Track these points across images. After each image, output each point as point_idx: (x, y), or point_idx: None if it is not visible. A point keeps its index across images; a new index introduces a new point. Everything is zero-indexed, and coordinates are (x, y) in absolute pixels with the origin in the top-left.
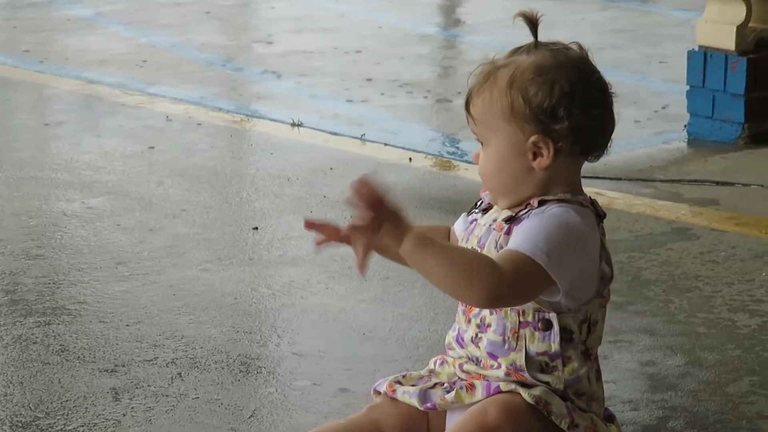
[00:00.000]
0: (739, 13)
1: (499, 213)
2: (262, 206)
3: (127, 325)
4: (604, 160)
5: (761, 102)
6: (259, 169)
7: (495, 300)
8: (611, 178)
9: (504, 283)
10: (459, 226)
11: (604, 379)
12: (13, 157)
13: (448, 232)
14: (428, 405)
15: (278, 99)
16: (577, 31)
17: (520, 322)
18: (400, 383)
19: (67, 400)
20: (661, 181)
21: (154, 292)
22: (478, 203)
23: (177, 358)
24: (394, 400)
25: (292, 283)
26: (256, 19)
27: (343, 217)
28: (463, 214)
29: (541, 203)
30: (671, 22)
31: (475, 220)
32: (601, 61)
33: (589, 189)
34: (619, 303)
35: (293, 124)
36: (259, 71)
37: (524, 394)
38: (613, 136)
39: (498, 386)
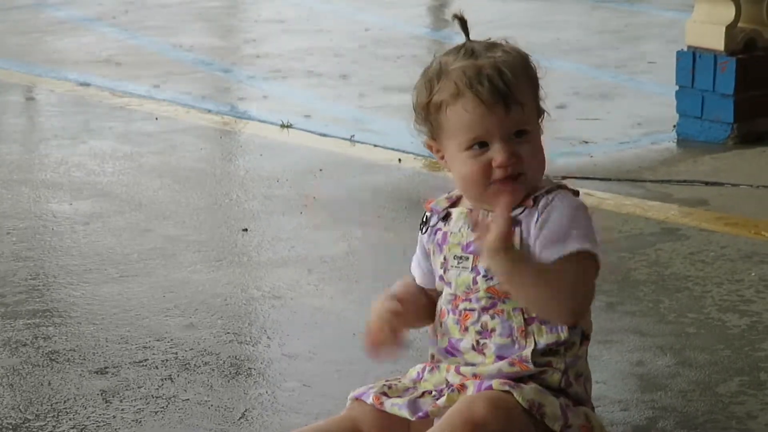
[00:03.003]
0: (728, 13)
1: (465, 216)
2: (251, 207)
3: (117, 327)
4: (594, 160)
5: (750, 102)
6: (249, 171)
7: (578, 314)
8: (601, 179)
9: (583, 296)
10: (416, 269)
11: (594, 379)
12: (2, 160)
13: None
14: (420, 414)
15: (268, 100)
16: (565, 32)
17: (525, 319)
18: (386, 395)
19: (56, 402)
20: (651, 181)
21: (144, 294)
22: (425, 218)
23: (167, 360)
24: (375, 409)
25: (281, 285)
26: (245, 20)
27: (333, 217)
28: (415, 262)
29: (535, 200)
30: (660, 23)
31: (439, 229)
32: (590, 61)
33: (579, 189)
34: (609, 303)
35: (283, 126)
36: (248, 72)
37: (517, 397)
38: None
39: (490, 385)
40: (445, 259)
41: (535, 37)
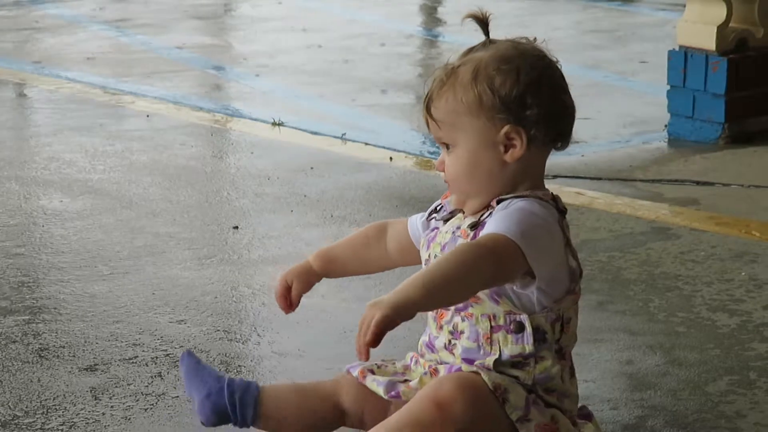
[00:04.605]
0: (720, 13)
1: (462, 221)
2: (242, 205)
3: (107, 324)
4: (585, 159)
5: (742, 102)
6: (240, 168)
7: (490, 271)
8: (592, 178)
9: (488, 253)
10: (415, 224)
11: (583, 378)
12: None
13: (380, 228)
14: (392, 393)
15: (259, 98)
16: (557, 32)
17: (492, 326)
18: (372, 372)
19: (46, 399)
20: (642, 180)
21: (134, 291)
22: (438, 208)
23: (157, 357)
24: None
25: (272, 283)
26: (237, 18)
27: (324, 215)
28: (422, 215)
29: (499, 202)
30: (652, 22)
31: (437, 228)
32: (581, 61)
33: (570, 189)
34: (599, 302)
35: (274, 124)
36: (240, 70)
37: (485, 376)
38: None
39: (459, 368)
40: (429, 256)
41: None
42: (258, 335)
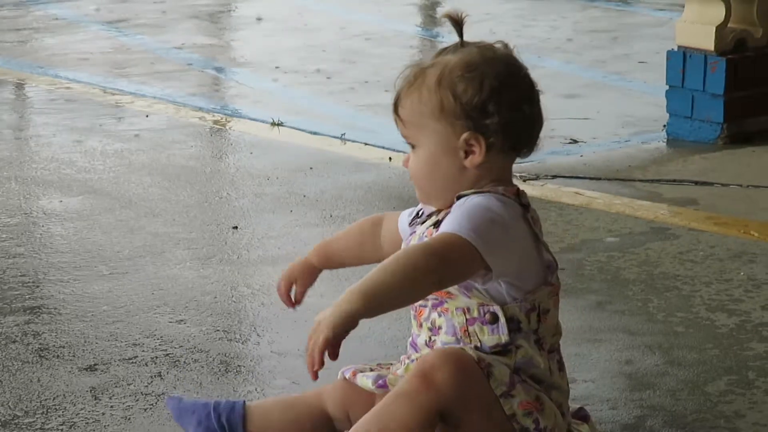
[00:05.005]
0: (719, 13)
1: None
2: (241, 205)
3: (107, 324)
4: (584, 159)
5: (740, 102)
6: (239, 169)
7: (442, 270)
8: (591, 178)
9: (438, 257)
10: (405, 221)
11: (582, 378)
12: None
13: (375, 222)
14: (379, 383)
15: (258, 98)
16: (556, 31)
17: (467, 319)
18: (363, 372)
19: (46, 399)
20: (641, 180)
21: (134, 291)
22: (420, 213)
23: (156, 357)
24: (347, 383)
25: (271, 282)
26: (236, 18)
27: (323, 215)
28: (411, 212)
29: (459, 198)
30: (651, 23)
31: (414, 231)
32: (580, 60)
33: (569, 188)
34: (598, 302)
35: (273, 124)
36: (239, 70)
37: (470, 351)
38: (542, 134)
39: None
40: None
41: (526, 36)
42: (257, 335)
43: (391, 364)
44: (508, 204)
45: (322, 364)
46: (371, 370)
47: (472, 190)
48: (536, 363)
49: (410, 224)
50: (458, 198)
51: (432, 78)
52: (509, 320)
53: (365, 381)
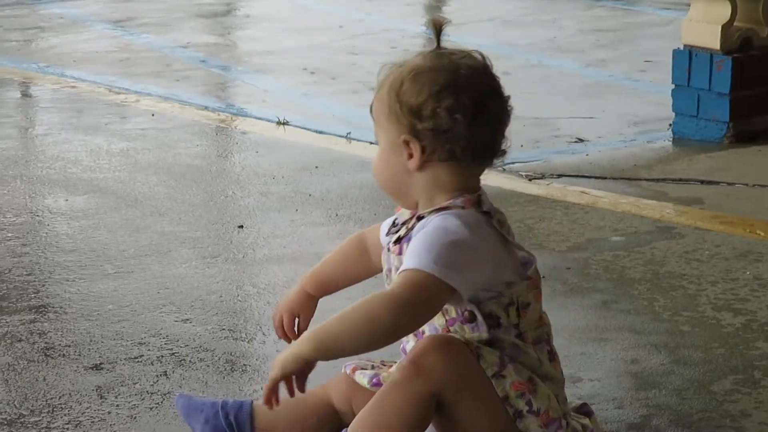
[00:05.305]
0: (724, 12)
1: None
2: (247, 204)
3: (112, 323)
4: (590, 158)
5: (746, 101)
6: (245, 168)
7: (405, 323)
8: (596, 177)
9: (403, 307)
10: (384, 229)
11: (588, 377)
12: None
13: (359, 240)
14: (374, 381)
15: (264, 97)
16: (561, 31)
17: (447, 320)
18: (363, 369)
19: (51, 398)
20: (646, 180)
21: (140, 290)
22: (395, 221)
23: (162, 356)
24: (349, 378)
25: (277, 282)
26: (242, 17)
27: (329, 214)
28: (387, 224)
29: (419, 218)
30: (656, 22)
31: (388, 244)
32: (585, 60)
33: (574, 188)
34: (603, 301)
35: (279, 123)
36: (244, 69)
37: (458, 336)
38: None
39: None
40: (384, 272)
41: (531, 36)
42: (263, 334)
43: (394, 362)
44: (468, 217)
45: (276, 400)
46: (372, 367)
47: (430, 209)
48: (524, 350)
49: (387, 234)
50: (419, 219)
51: (390, 79)
52: (487, 317)
53: (362, 378)
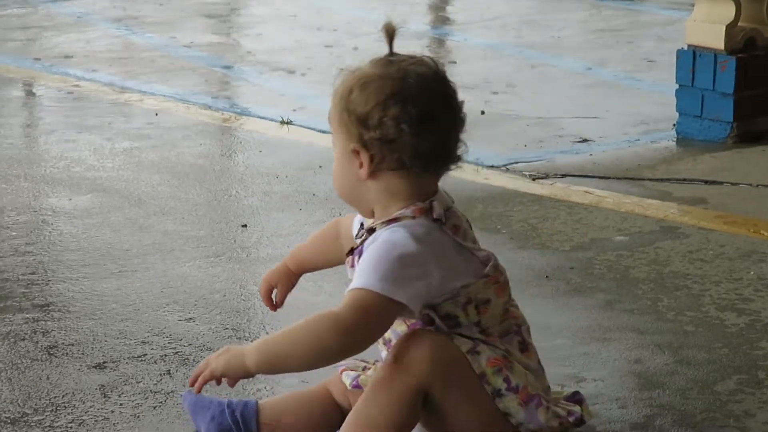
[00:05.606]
0: (728, 12)
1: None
2: (250, 204)
3: (116, 322)
4: (594, 158)
5: (750, 101)
6: (248, 167)
7: (352, 346)
8: (600, 177)
9: (350, 332)
10: (356, 225)
11: (592, 377)
12: (1, 154)
13: (335, 227)
14: (354, 383)
15: (267, 97)
16: (565, 30)
17: (408, 326)
18: (353, 370)
19: (55, 397)
20: (650, 179)
21: (143, 289)
22: (362, 223)
23: (165, 355)
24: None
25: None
26: (245, 16)
27: (332, 214)
28: (358, 220)
29: (370, 231)
30: (660, 22)
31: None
32: (589, 59)
33: (578, 188)
34: (607, 301)
35: (282, 122)
36: (248, 69)
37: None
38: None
39: None
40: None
41: (535, 36)
42: (266, 333)
43: None
44: (417, 227)
45: (199, 390)
46: (364, 369)
47: (381, 220)
48: (489, 344)
49: (356, 235)
50: (370, 232)
51: (342, 87)
52: (445, 318)
53: (346, 380)
